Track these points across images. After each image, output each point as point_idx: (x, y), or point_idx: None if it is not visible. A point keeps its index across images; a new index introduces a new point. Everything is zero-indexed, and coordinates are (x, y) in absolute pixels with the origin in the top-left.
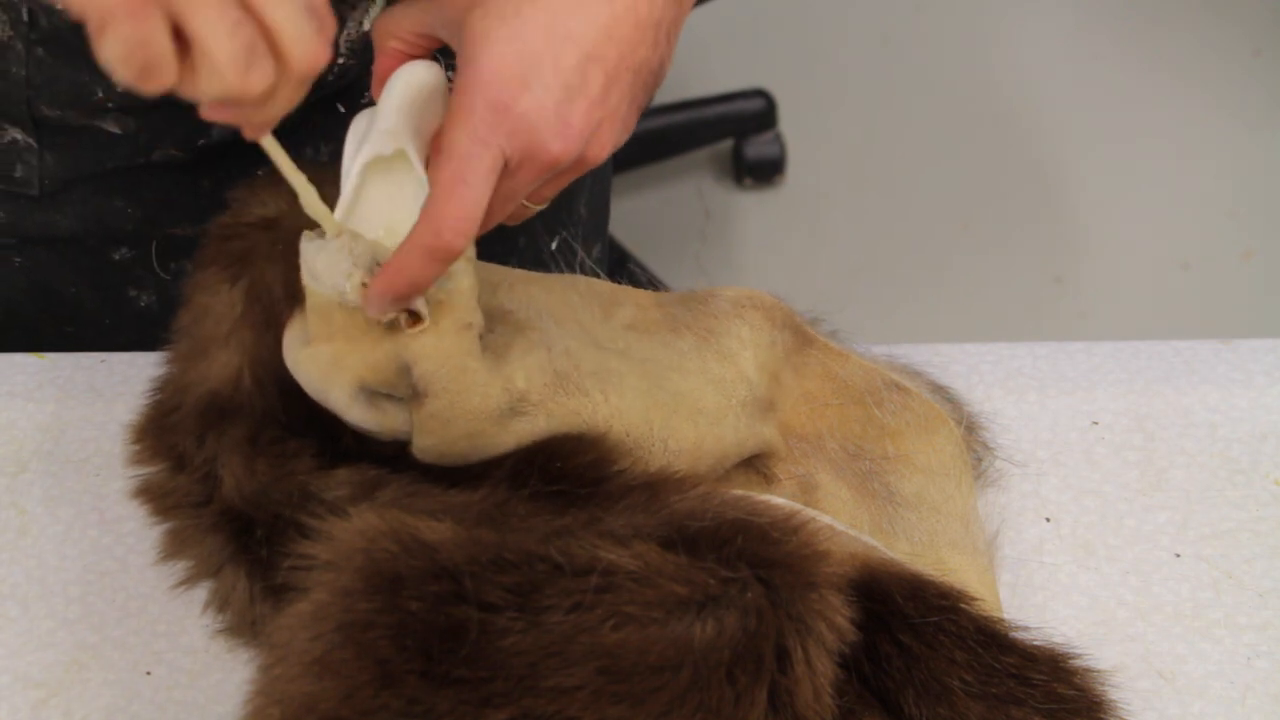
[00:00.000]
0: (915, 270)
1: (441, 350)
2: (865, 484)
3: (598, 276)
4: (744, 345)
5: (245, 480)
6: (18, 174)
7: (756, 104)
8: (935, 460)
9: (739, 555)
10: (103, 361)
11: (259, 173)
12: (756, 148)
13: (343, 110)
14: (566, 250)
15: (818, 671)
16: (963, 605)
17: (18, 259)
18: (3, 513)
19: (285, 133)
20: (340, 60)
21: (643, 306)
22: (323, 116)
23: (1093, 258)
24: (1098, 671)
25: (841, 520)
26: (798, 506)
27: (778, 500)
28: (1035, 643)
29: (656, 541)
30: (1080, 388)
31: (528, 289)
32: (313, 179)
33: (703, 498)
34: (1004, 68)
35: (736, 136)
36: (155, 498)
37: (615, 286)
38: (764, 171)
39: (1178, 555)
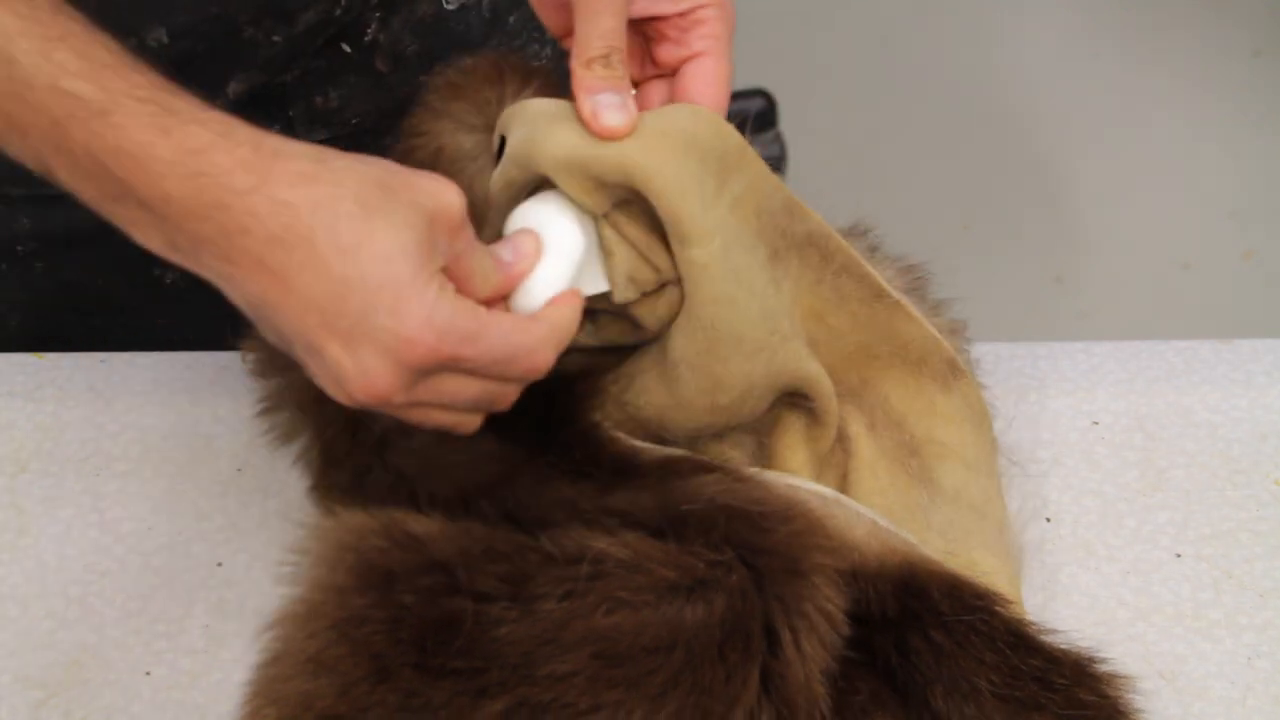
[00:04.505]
0: None
1: None
2: (903, 459)
3: None
4: (786, 275)
5: None
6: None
7: (756, 104)
8: (979, 456)
9: (725, 539)
10: (102, 362)
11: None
12: (756, 148)
13: (347, 50)
14: None
15: (808, 656)
16: (997, 607)
17: (39, 263)
18: (2, 513)
19: (297, 81)
20: None
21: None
22: (328, 61)
23: (1093, 257)
24: (1121, 678)
25: (875, 497)
26: (798, 497)
27: (797, 481)
28: (1061, 646)
29: (646, 531)
30: (1080, 388)
31: None
32: None
33: (703, 484)
34: (1004, 68)
35: None
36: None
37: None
38: None
39: (1178, 555)
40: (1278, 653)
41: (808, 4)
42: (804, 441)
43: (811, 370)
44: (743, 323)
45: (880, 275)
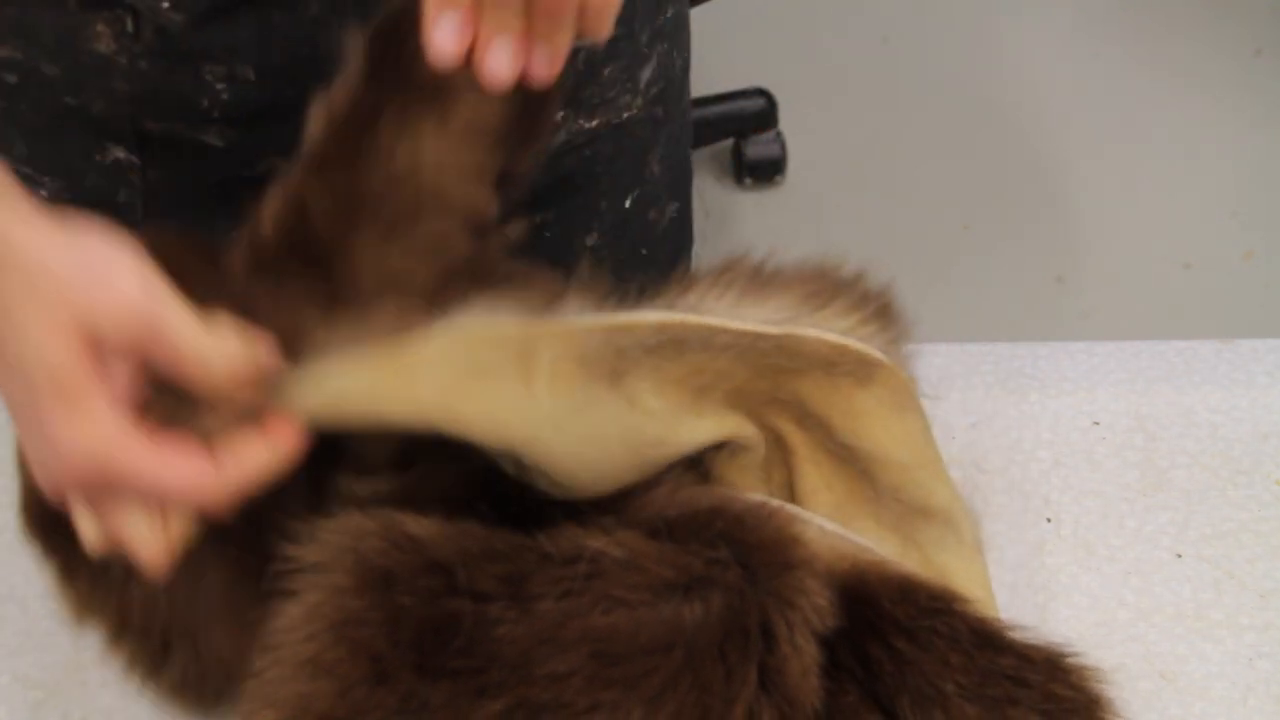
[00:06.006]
0: (915, 270)
1: None
2: (838, 453)
3: (669, 238)
4: (642, 377)
5: None
6: (121, 198)
7: (756, 104)
8: (911, 450)
9: (720, 537)
10: None
11: None
12: (756, 148)
13: None
14: (642, 209)
15: (804, 652)
16: (956, 606)
17: None
18: (2, 513)
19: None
20: None
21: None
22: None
23: (1094, 257)
24: (1095, 670)
25: (823, 493)
26: (773, 500)
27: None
28: (1031, 642)
29: (641, 532)
30: (1081, 388)
31: None
32: None
33: (671, 491)
34: (1004, 68)
35: (737, 136)
36: None
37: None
38: (764, 171)
39: (1179, 556)
40: (1279, 653)
41: (808, 4)
42: (739, 467)
43: (707, 432)
44: (602, 466)
45: (762, 311)
